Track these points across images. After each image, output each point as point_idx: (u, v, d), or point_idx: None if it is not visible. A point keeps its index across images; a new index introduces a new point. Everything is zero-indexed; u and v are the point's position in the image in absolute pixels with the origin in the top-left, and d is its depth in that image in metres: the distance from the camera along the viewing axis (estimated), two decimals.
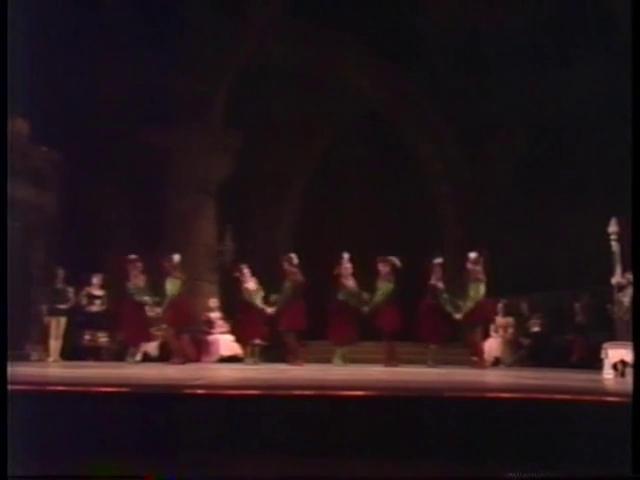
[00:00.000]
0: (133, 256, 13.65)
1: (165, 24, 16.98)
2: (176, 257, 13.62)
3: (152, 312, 13.87)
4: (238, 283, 13.87)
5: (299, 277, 13.49)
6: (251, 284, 13.80)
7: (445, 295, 13.36)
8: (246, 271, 13.86)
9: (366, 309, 13.47)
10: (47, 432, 5.88)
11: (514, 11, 17.12)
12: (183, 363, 13.02)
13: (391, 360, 13.09)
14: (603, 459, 5.59)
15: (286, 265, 13.54)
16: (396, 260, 13.42)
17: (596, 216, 10.81)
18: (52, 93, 16.96)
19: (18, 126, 14.09)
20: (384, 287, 13.45)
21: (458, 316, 13.08)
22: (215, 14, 16.86)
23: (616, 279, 10.02)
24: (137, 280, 13.50)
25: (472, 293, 12.95)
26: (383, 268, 13.49)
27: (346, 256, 13.66)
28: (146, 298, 13.55)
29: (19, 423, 5.74)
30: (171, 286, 13.43)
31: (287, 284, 13.49)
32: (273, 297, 13.69)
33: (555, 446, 5.79)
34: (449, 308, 13.20)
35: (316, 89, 20.02)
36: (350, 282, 13.58)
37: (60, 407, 6.18)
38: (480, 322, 13.45)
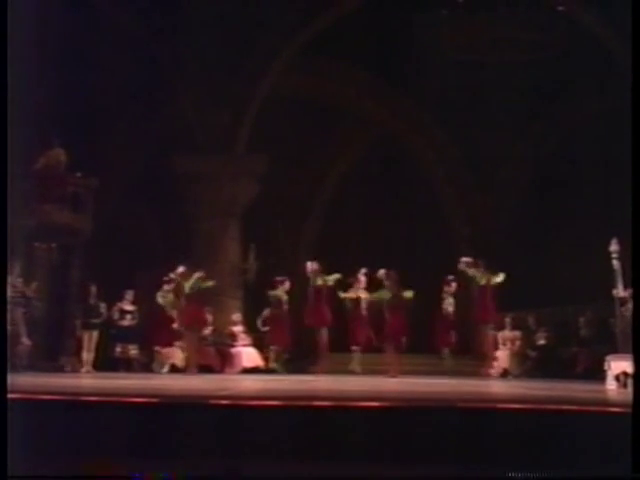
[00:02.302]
0: (173, 274, 14.20)
1: (193, 61, 17.14)
2: (181, 268, 14.03)
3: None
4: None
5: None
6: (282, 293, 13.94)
7: (452, 302, 13.45)
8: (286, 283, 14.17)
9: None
10: (76, 439, 5.84)
11: (519, 47, 17.15)
12: (196, 373, 13.15)
13: (395, 370, 12.93)
14: (605, 464, 5.51)
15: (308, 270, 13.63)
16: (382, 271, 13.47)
17: (599, 236, 10.76)
18: (89, 124, 17.19)
19: (56, 155, 14.20)
20: (381, 293, 13.48)
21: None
22: (239, 50, 17.00)
23: (618, 294, 9.95)
24: (167, 293, 14.17)
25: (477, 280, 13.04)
26: (385, 279, 13.53)
27: (362, 270, 13.67)
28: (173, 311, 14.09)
29: (49, 430, 5.73)
30: (192, 282, 13.76)
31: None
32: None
33: (559, 451, 5.71)
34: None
35: (334, 117, 20.16)
36: (361, 293, 13.60)
37: (89, 416, 6.13)
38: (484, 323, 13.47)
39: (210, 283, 13.91)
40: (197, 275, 13.79)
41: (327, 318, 13.36)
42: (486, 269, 13.21)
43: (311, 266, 13.63)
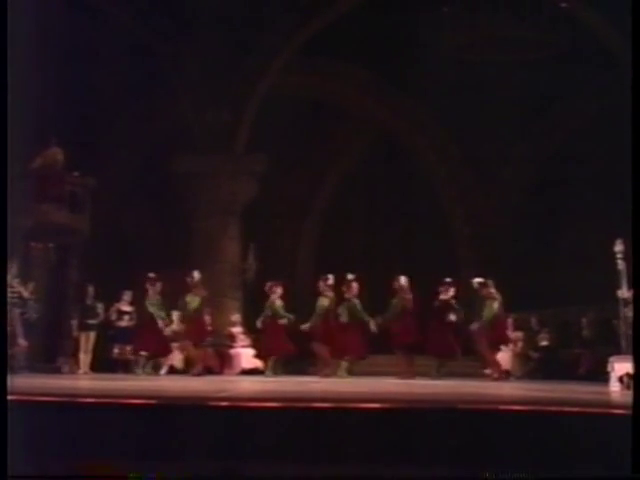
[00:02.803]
0: (152, 274, 13.83)
1: (193, 61, 17.12)
2: (196, 274, 13.79)
3: (167, 328, 13.96)
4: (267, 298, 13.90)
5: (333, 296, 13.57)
6: (278, 300, 13.79)
7: (456, 310, 13.35)
8: (277, 289, 13.91)
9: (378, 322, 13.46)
10: (74, 440, 5.80)
11: (519, 46, 17.15)
12: (201, 374, 13.14)
13: (407, 372, 12.95)
14: (606, 466, 5.47)
15: (322, 285, 13.56)
16: (404, 279, 13.46)
17: (602, 237, 10.72)
18: (87, 123, 17.18)
19: (53, 154, 14.16)
20: (396, 303, 13.44)
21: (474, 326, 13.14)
22: (239, 50, 16.99)
23: (622, 295, 9.88)
24: (154, 297, 13.78)
25: (486, 311, 13.02)
26: (396, 285, 13.51)
27: (351, 276, 13.56)
28: (161, 314, 13.81)
29: (47, 432, 5.69)
30: (190, 301, 13.63)
31: (323, 302, 13.51)
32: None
33: (561, 453, 5.67)
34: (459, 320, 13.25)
35: (334, 117, 20.15)
36: (355, 301, 13.50)
37: (87, 417, 6.10)
38: (496, 340, 13.40)
39: (197, 302, 13.71)
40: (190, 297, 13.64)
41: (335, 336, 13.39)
42: (496, 289, 13.19)
43: (326, 281, 13.56)
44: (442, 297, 13.49)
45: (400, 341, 13.29)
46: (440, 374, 12.95)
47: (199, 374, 13.13)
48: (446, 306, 13.43)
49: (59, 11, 14.22)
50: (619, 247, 9.89)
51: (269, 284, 13.89)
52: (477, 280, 13.43)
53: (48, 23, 13.30)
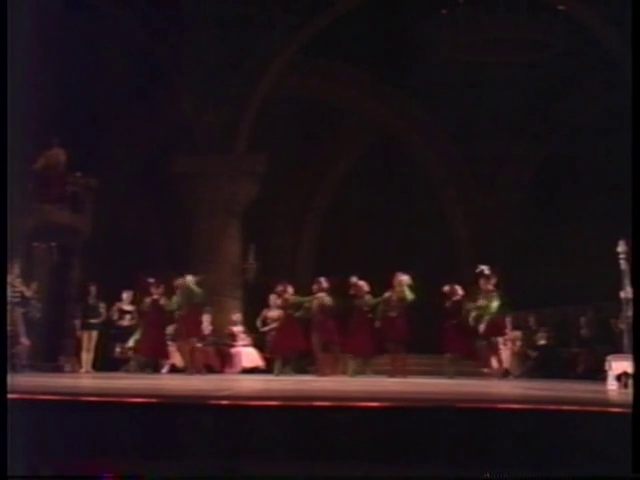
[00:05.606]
0: (151, 279, 13.88)
1: (193, 61, 17.15)
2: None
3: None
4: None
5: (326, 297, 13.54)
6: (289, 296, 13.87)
7: (470, 308, 13.33)
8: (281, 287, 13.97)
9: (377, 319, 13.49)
10: (75, 439, 5.82)
11: (519, 47, 17.17)
12: (194, 373, 13.20)
13: (397, 371, 13.01)
14: (605, 464, 5.49)
15: (316, 287, 13.56)
16: (406, 276, 13.44)
17: (600, 237, 10.73)
18: (88, 124, 17.21)
19: (55, 155, 14.21)
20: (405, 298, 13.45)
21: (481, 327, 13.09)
22: (239, 50, 17.02)
23: (624, 295, 9.87)
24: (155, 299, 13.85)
25: (488, 306, 13.03)
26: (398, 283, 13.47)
27: (354, 278, 13.57)
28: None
29: (48, 431, 5.72)
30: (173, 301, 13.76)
31: (315, 302, 13.51)
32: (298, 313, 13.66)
33: (560, 452, 5.70)
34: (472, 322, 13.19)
35: (334, 117, 20.17)
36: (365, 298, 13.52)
37: (88, 416, 6.12)
38: (494, 336, 13.40)
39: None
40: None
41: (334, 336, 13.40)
42: (495, 287, 13.20)
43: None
44: (454, 298, 13.51)
45: (395, 339, 13.34)
46: (452, 374, 12.95)
47: (193, 374, 13.22)
48: (458, 307, 13.45)
49: (59, 11, 14.24)
50: (622, 248, 9.85)
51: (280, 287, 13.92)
52: (485, 270, 13.36)
53: (48, 23, 13.32)
